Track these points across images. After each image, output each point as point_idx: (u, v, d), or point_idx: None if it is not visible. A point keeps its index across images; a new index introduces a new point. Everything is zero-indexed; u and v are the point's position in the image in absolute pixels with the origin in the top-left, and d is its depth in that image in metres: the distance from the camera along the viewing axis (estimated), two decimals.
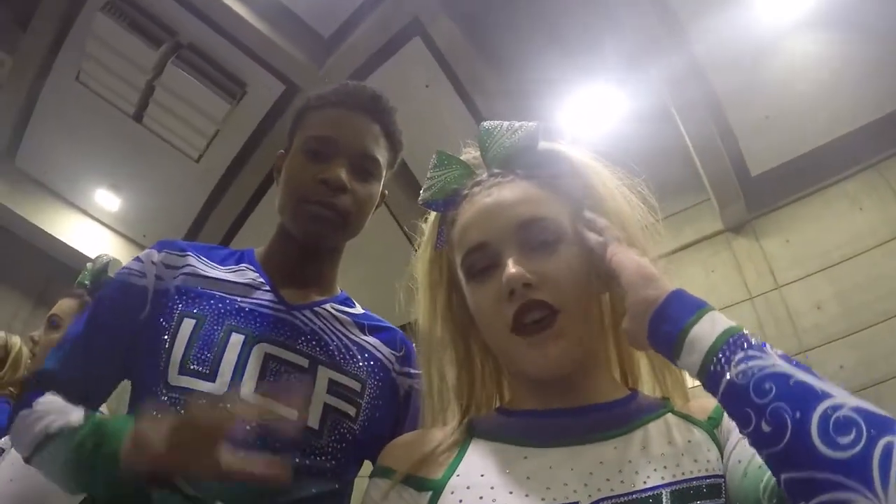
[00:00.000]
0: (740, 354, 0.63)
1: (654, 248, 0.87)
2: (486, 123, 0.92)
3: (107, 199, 5.90)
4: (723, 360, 0.64)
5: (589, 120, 4.20)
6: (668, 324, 0.69)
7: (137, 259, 1.13)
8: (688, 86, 3.96)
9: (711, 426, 0.79)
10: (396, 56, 4.26)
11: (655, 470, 0.73)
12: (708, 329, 0.67)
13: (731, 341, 0.65)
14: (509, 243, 0.82)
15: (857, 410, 0.56)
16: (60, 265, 5.55)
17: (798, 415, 0.57)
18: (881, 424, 0.55)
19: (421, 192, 0.94)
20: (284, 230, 1.18)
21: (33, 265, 5.63)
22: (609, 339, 0.90)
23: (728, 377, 0.63)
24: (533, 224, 0.82)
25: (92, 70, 4.67)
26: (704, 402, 0.82)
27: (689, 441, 0.77)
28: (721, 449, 0.76)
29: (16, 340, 2.43)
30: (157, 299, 1.07)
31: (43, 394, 1.00)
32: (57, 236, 5.74)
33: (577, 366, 0.81)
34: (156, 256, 1.12)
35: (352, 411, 1.09)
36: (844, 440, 0.54)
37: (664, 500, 0.70)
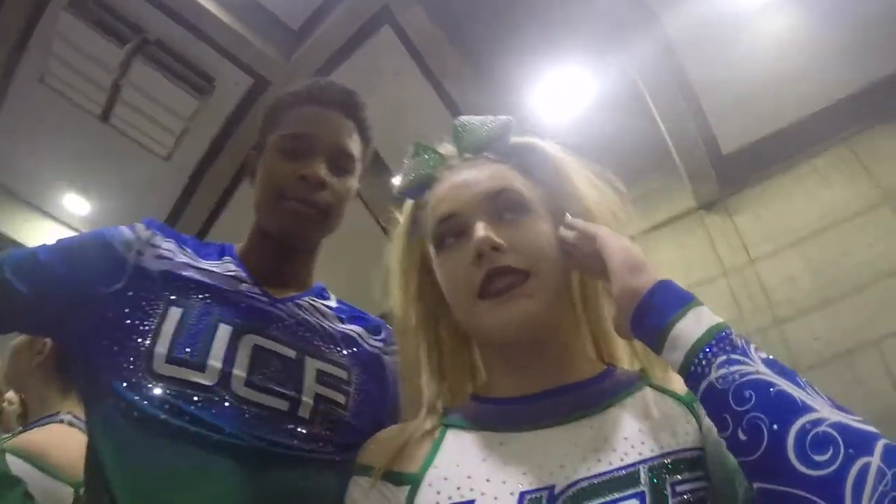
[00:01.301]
0: (722, 357, 0.63)
1: (624, 231, 0.88)
2: (460, 118, 0.94)
3: (76, 204, 5.80)
4: (704, 361, 0.64)
5: (560, 103, 4.21)
6: (653, 316, 0.69)
7: (130, 228, 1.11)
8: (658, 66, 3.98)
9: (690, 399, 0.79)
10: (366, 45, 4.23)
11: (633, 446, 0.73)
12: (692, 326, 0.66)
13: (714, 341, 0.64)
14: (478, 212, 0.83)
15: (837, 427, 0.55)
16: None
17: (775, 427, 0.56)
18: (859, 443, 0.54)
19: (398, 181, 0.96)
20: (262, 228, 1.18)
21: None
22: (581, 316, 0.91)
23: (708, 380, 0.62)
24: (501, 194, 0.84)
25: (57, 71, 4.58)
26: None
27: (668, 415, 0.77)
28: (700, 423, 0.77)
29: None
30: (135, 278, 1.04)
31: None
32: (25, 244, 5.64)
33: (544, 335, 0.82)
34: (144, 233, 1.10)
35: (341, 399, 1.10)
36: (820, 458, 0.53)
37: (641, 476, 0.70)
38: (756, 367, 0.61)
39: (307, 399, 1.05)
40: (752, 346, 0.64)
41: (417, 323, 0.93)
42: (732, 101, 4.21)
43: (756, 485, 0.58)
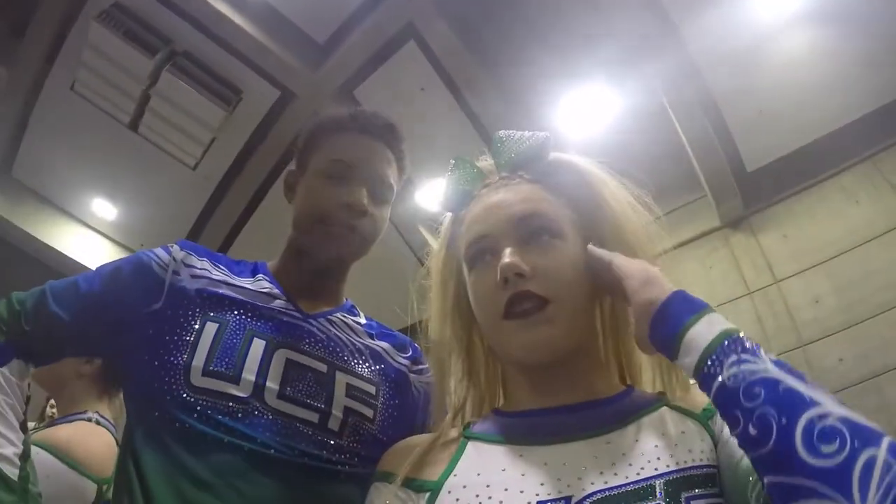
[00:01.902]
0: (733, 357, 0.65)
1: (658, 250, 0.91)
2: (500, 132, 0.96)
3: (104, 209, 5.89)
4: (716, 362, 0.66)
5: (584, 120, 4.22)
6: (668, 325, 0.72)
7: (165, 249, 1.15)
8: (682, 83, 3.98)
9: (706, 417, 0.81)
10: (391, 60, 4.28)
11: (649, 461, 0.74)
12: (705, 330, 0.69)
13: (725, 344, 0.67)
14: (508, 236, 0.86)
15: (844, 421, 0.57)
16: (58, 275, 5.48)
17: (784, 420, 0.58)
18: (866, 437, 0.56)
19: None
20: (298, 246, 1.22)
21: (31, 276, 5.60)
22: (608, 341, 0.92)
23: (720, 380, 0.65)
24: (532, 219, 0.86)
25: (87, 79, 4.67)
26: (700, 394, 0.84)
27: (683, 432, 0.78)
28: (715, 440, 0.78)
29: None
30: (173, 297, 1.09)
31: (8, 357, 1.02)
32: (54, 246, 5.73)
33: (564, 357, 0.83)
34: (179, 253, 1.14)
35: (369, 413, 1.13)
36: (827, 449, 0.55)
37: (657, 490, 0.71)
38: (766, 366, 0.63)
39: (337, 412, 1.08)
40: (762, 349, 0.66)
41: (452, 332, 0.96)
42: (757, 118, 4.20)
43: (767, 479, 0.59)
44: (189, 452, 0.96)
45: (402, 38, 4.18)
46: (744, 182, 4.40)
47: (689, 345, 0.69)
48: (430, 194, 4.78)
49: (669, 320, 0.72)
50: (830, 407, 0.59)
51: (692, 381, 0.85)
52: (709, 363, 0.66)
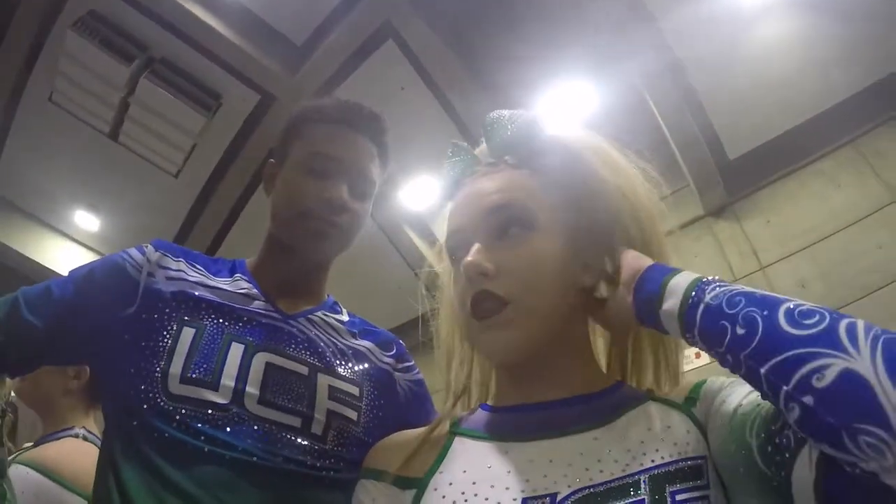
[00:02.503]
0: (713, 286, 0.70)
1: (663, 229, 0.93)
2: (492, 113, 0.93)
3: (86, 220, 5.85)
4: (699, 293, 0.70)
5: (565, 113, 4.22)
6: (651, 282, 0.76)
7: (139, 249, 1.12)
8: (662, 73, 3.99)
9: (689, 406, 0.80)
10: (370, 60, 4.26)
11: (634, 458, 0.74)
12: (685, 277, 0.74)
13: (705, 280, 0.72)
14: (478, 230, 0.84)
15: (818, 306, 0.62)
16: None
17: (766, 312, 0.62)
18: (843, 314, 0.60)
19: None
20: (276, 240, 1.19)
21: (14, 290, 5.56)
22: (595, 330, 0.92)
23: (703, 304, 0.69)
24: (501, 210, 0.84)
25: (65, 89, 4.63)
26: (683, 387, 0.84)
27: (669, 426, 0.78)
28: (702, 429, 0.77)
29: None
30: (148, 300, 1.05)
31: None
32: (37, 260, 5.69)
33: (536, 355, 0.83)
34: (153, 254, 1.11)
35: (353, 415, 1.10)
36: (810, 321, 0.59)
37: (642, 485, 0.71)
38: (741, 287, 0.69)
39: (319, 416, 1.06)
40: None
41: (456, 318, 0.94)
42: (737, 106, 4.22)
43: (762, 371, 0.60)
44: (170, 463, 0.93)
45: (380, 37, 4.17)
46: (726, 170, 4.42)
47: (671, 291, 0.73)
48: (414, 193, 4.79)
49: (651, 279, 0.77)
50: (805, 301, 0.63)
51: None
52: (692, 298, 0.70)
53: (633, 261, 0.82)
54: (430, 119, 4.39)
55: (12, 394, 3.43)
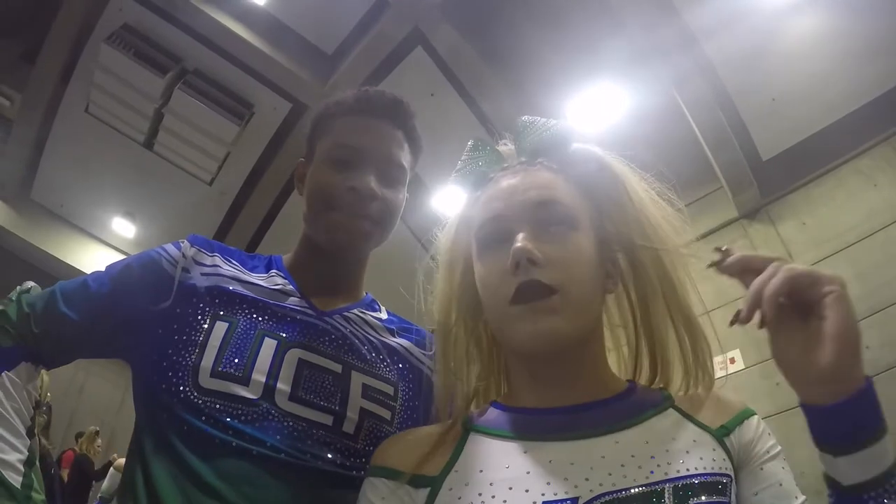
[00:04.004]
0: None
1: (682, 242, 0.88)
2: (524, 117, 0.93)
3: (123, 227, 5.96)
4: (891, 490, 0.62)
5: (596, 115, 4.19)
6: (873, 413, 0.65)
7: (176, 245, 1.11)
8: (694, 77, 3.95)
9: (721, 434, 0.78)
10: (400, 67, 4.29)
11: (659, 465, 0.72)
12: (891, 448, 0.64)
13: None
14: (523, 220, 0.83)
15: None
16: None
17: None
18: None
19: (454, 172, 0.96)
20: (310, 239, 1.17)
21: None
22: (638, 332, 0.90)
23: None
24: (549, 206, 0.83)
25: (100, 100, 4.74)
26: (718, 410, 0.81)
27: (695, 440, 0.76)
28: (730, 457, 0.76)
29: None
30: (182, 294, 1.05)
31: (15, 360, 0.99)
32: (77, 266, 5.81)
33: (568, 350, 0.81)
34: (190, 250, 1.10)
35: (387, 415, 1.08)
36: None
37: (666, 495, 0.69)
38: None
39: (352, 414, 1.03)
40: None
41: (458, 316, 0.93)
42: (770, 106, 4.16)
43: None
44: (196, 456, 0.92)
45: (409, 44, 4.19)
46: (759, 171, 4.35)
47: (878, 452, 0.63)
48: (445, 198, 4.79)
49: (871, 412, 0.65)
50: None
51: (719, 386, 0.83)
52: (889, 483, 0.62)
53: (850, 359, 0.65)
54: (461, 124, 4.39)
55: (48, 395, 3.48)
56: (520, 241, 0.79)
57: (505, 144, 0.97)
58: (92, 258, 5.94)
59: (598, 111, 4.20)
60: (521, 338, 0.80)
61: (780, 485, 0.72)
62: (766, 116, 4.22)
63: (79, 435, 5.33)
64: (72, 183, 5.60)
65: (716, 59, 3.99)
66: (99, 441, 5.39)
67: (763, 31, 3.86)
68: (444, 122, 4.24)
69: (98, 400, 6.71)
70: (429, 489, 0.77)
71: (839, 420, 0.65)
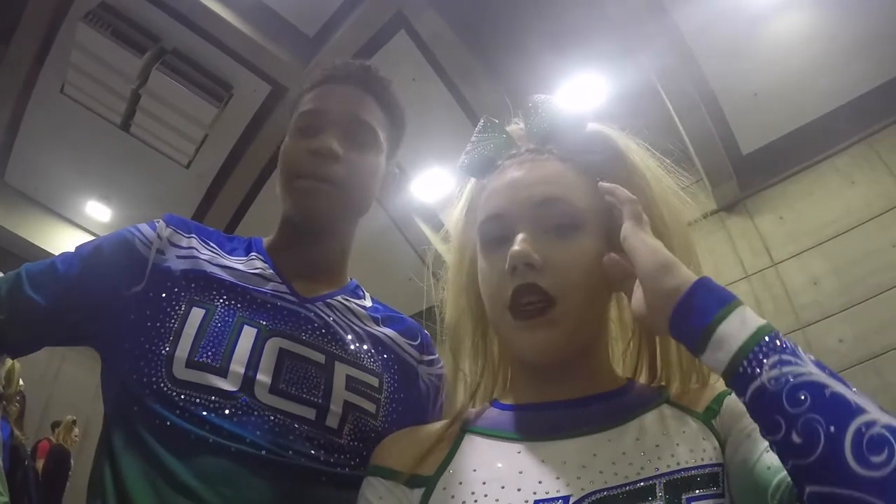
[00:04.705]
0: (774, 358, 0.60)
1: (697, 241, 0.87)
2: (536, 96, 0.90)
3: (98, 211, 5.88)
4: (754, 362, 0.61)
5: (577, 105, 4.17)
6: (694, 317, 0.67)
7: (151, 225, 1.05)
8: (676, 68, 3.96)
9: (708, 417, 0.77)
10: (382, 51, 4.25)
11: (650, 461, 0.72)
12: (737, 326, 0.64)
13: (763, 342, 0.62)
14: (525, 219, 0.80)
15: (889, 429, 0.54)
16: None
17: (832, 429, 0.55)
18: None
19: (462, 155, 0.93)
20: (287, 218, 1.11)
21: None
22: (637, 334, 0.89)
23: (759, 382, 0.60)
24: (553, 204, 0.81)
25: (77, 81, 4.65)
26: (702, 393, 0.81)
27: (684, 432, 0.75)
28: (720, 440, 0.75)
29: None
30: (156, 278, 0.99)
31: None
32: (51, 251, 5.71)
33: (569, 355, 0.80)
34: (165, 230, 1.04)
35: (371, 408, 1.03)
36: (876, 459, 0.53)
37: (658, 490, 0.69)
38: (808, 368, 0.59)
39: (335, 408, 0.99)
40: (801, 349, 0.62)
41: (468, 303, 0.91)
42: (752, 101, 4.18)
43: (808, 489, 0.56)
44: (170, 453, 0.86)
45: (391, 28, 4.16)
46: (739, 164, 4.39)
47: (719, 341, 0.64)
48: (425, 185, 4.78)
49: (695, 312, 0.66)
50: (876, 414, 0.56)
51: (713, 381, 0.82)
52: (745, 363, 0.61)
53: (660, 274, 0.70)
54: (442, 111, 4.37)
55: (21, 382, 3.43)
56: (518, 243, 0.77)
57: (516, 123, 0.94)
58: (67, 242, 5.84)
59: (581, 98, 4.19)
60: (520, 347, 0.79)
61: (749, 436, 0.71)
62: (747, 111, 4.25)
63: (55, 424, 5.23)
64: (47, 166, 5.50)
65: (699, 52, 4.01)
66: (76, 430, 5.29)
67: (747, 27, 3.88)
68: (426, 108, 4.21)
69: (74, 387, 6.60)
70: (423, 489, 0.77)
71: (680, 331, 0.68)
